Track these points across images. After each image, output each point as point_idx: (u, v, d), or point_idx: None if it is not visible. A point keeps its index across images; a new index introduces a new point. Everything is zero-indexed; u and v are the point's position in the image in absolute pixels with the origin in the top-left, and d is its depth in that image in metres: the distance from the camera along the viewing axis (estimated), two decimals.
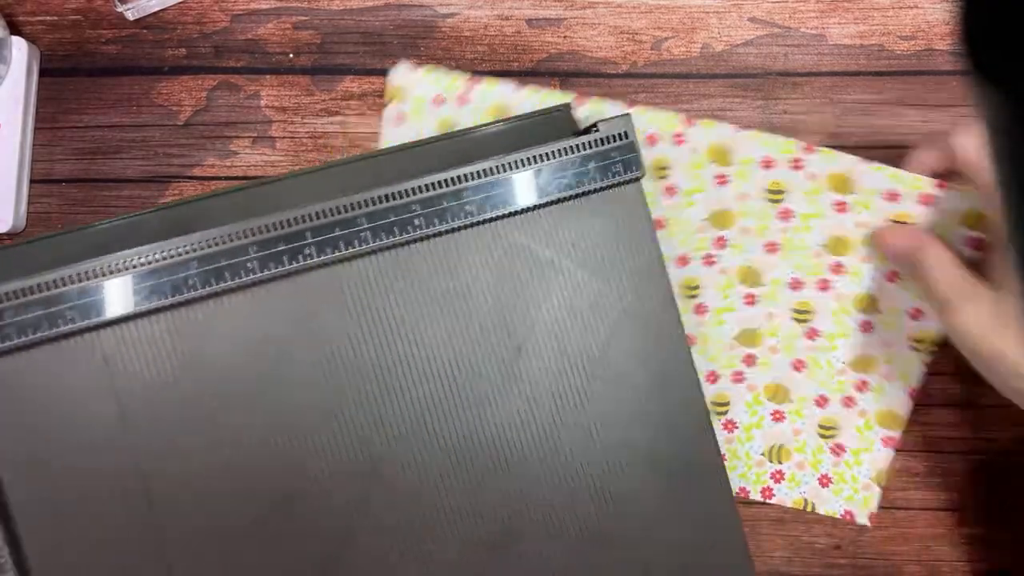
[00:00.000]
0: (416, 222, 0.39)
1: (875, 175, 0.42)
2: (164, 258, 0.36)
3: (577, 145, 0.40)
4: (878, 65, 0.48)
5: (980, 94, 0.21)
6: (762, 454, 0.47)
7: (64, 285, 0.36)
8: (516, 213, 0.40)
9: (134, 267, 0.36)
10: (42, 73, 0.48)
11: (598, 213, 0.41)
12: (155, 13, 0.48)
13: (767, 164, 0.44)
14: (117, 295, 0.36)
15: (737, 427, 0.47)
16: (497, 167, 0.39)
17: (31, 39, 0.47)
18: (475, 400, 0.40)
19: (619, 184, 0.41)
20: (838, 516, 0.47)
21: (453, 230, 0.39)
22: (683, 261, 0.46)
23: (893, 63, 0.47)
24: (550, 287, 0.41)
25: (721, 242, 0.46)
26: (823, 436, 0.47)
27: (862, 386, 0.46)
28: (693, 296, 0.46)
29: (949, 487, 0.48)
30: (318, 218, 0.38)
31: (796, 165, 0.44)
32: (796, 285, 0.46)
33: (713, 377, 0.47)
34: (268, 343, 0.38)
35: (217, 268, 0.37)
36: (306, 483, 0.38)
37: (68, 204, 0.48)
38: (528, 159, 0.40)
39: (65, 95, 0.48)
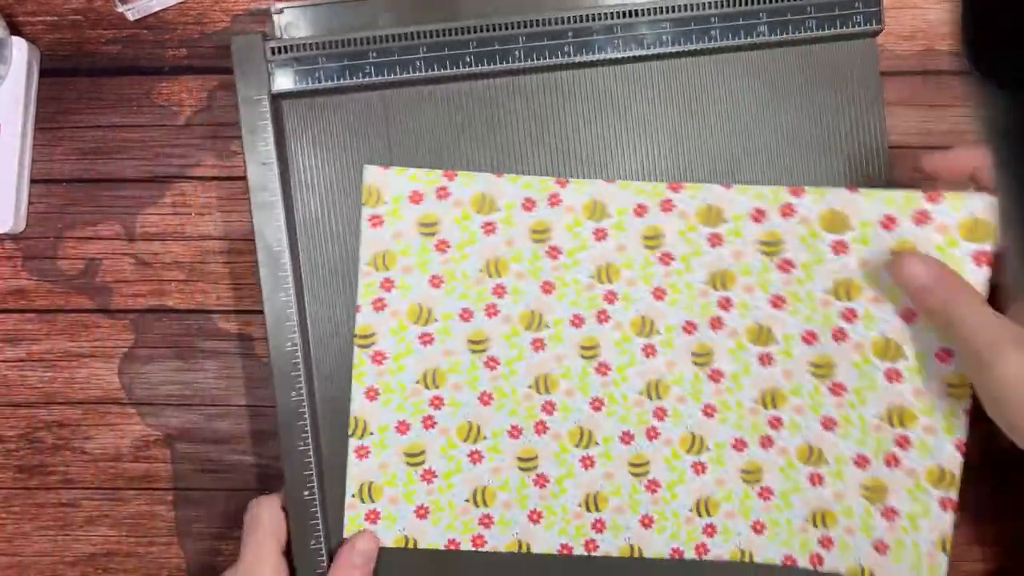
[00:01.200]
0: (664, 39, 0.44)
1: (867, 203, 0.40)
2: (448, 35, 0.44)
3: None
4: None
5: (980, 94, 0.21)
6: (806, 519, 0.44)
7: (366, 44, 0.44)
8: (756, 47, 0.45)
9: (424, 37, 0.44)
10: (42, 73, 0.48)
11: (830, 64, 0.45)
12: (155, 13, 0.48)
13: (758, 216, 0.43)
14: (406, 63, 0.44)
15: (773, 494, 0.44)
16: (739, 1, 0.44)
17: (31, 39, 0.47)
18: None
19: (857, 36, 0.45)
20: None
21: (694, 53, 0.45)
22: (691, 327, 0.44)
23: (893, 63, 0.47)
24: (767, 127, 0.45)
25: (726, 303, 0.44)
26: (869, 499, 0.43)
27: (903, 442, 0.42)
28: (706, 363, 0.45)
29: None
30: (576, 21, 0.44)
31: (786, 211, 0.42)
32: (809, 339, 0.43)
33: (741, 444, 0.45)
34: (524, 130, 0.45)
35: (490, 51, 0.44)
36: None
37: (68, 204, 0.48)
38: None
39: (65, 95, 0.48)
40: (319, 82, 0.44)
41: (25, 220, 0.48)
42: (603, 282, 0.44)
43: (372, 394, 0.45)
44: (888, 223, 0.40)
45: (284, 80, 0.44)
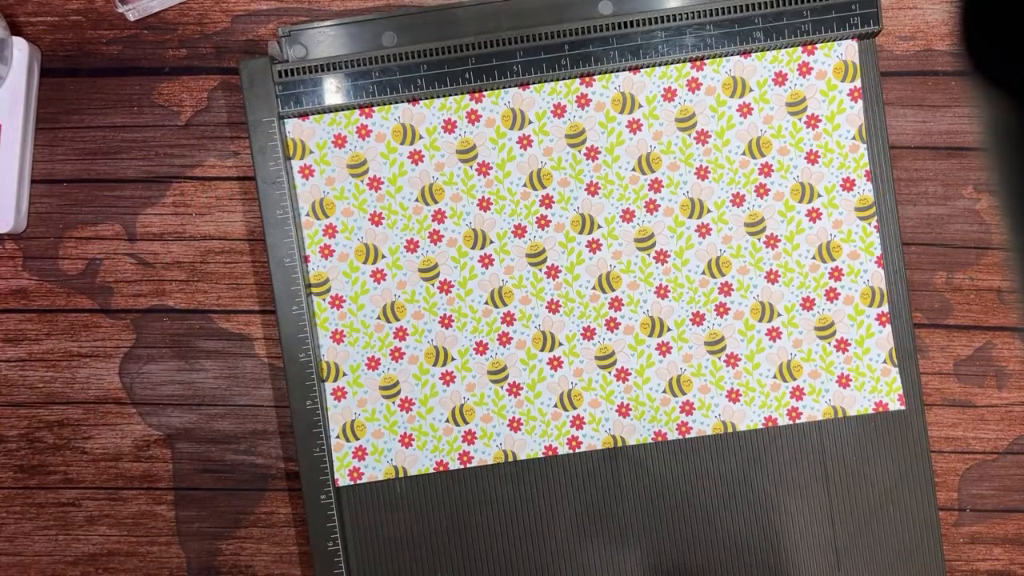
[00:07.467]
0: (660, 48, 0.45)
1: (759, 64, 0.45)
2: (448, 52, 0.45)
3: None
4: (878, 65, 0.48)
5: (980, 94, 0.21)
6: (774, 376, 0.47)
7: (374, 64, 0.45)
8: (750, 52, 0.46)
9: (425, 55, 0.45)
10: (43, 73, 0.48)
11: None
12: (156, 14, 0.48)
13: (669, 95, 0.46)
14: (408, 81, 0.45)
15: (739, 359, 0.46)
16: (735, 8, 0.45)
17: (32, 39, 0.48)
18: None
19: (855, 37, 0.46)
20: (871, 412, 0.46)
21: (690, 59, 0.46)
22: (629, 215, 0.47)
23: (893, 63, 0.47)
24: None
25: (656, 184, 0.46)
26: (823, 337, 0.46)
27: (837, 274, 0.46)
28: (650, 245, 0.47)
29: (949, 487, 0.48)
30: (573, 34, 0.45)
31: (692, 85, 0.46)
32: (737, 201, 0.46)
33: (699, 318, 0.47)
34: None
35: (489, 67, 0.45)
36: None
37: (69, 204, 0.48)
38: (767, 3, 0.44)
39: (66, 95, 0.48)
40: (324, 101, 0.45)
41: (26, 220, 0.48)
42: (537, 188, 0.46)
43: (338, 337, 0.47)
44: (780, 79, 0.46)
45: (291, 101, 0.45)
